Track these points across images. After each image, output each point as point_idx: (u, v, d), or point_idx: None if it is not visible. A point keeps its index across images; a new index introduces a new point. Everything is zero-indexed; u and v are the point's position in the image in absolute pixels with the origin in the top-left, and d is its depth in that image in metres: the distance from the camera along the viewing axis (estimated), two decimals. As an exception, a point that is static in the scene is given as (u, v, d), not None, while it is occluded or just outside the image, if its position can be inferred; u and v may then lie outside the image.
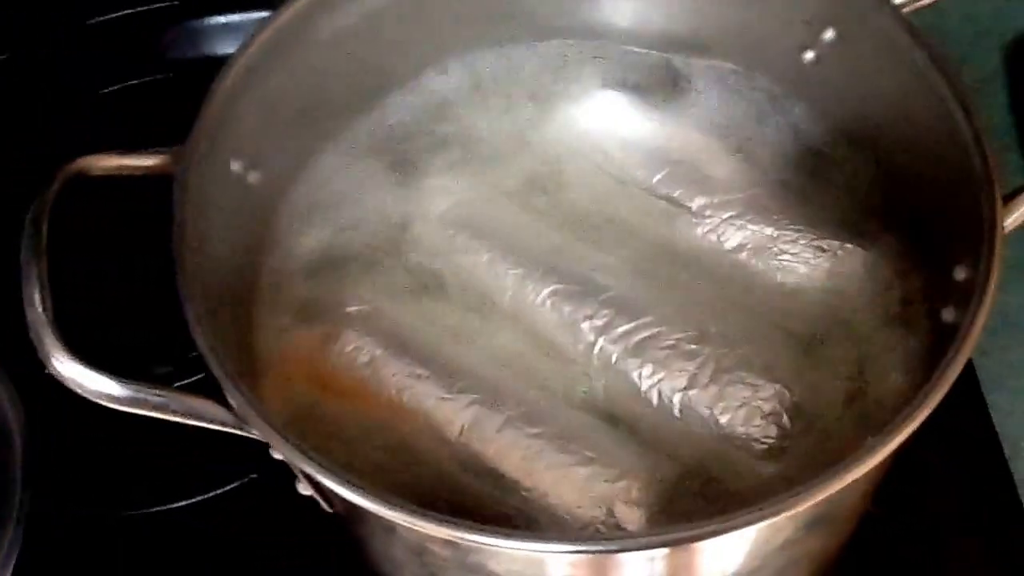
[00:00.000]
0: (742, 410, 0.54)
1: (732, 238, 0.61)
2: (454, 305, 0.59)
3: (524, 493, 0.53)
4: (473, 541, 0.44)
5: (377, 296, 0.60)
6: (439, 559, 0.50)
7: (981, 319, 0.48)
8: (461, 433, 0.54)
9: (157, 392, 0.48)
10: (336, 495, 0.46)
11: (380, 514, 0.44)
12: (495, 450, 0.54)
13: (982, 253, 0.50)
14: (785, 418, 0.54)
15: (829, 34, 0.62)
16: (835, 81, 0.63)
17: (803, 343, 0.57)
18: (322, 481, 0.45)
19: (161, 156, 0.53)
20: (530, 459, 0.53)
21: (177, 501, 0.66)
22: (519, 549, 0.44)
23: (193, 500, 0.65)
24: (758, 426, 0.54)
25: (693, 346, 0.56)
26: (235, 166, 0.57)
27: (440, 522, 0.44)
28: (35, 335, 0.48)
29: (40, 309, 0.47)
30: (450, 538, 0.44)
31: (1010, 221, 0.52)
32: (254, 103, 0.58)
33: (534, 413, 0.55)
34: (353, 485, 0.45)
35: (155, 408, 0.48)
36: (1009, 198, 0.52)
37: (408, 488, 0.52)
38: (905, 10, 0.59)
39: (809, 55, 0.63)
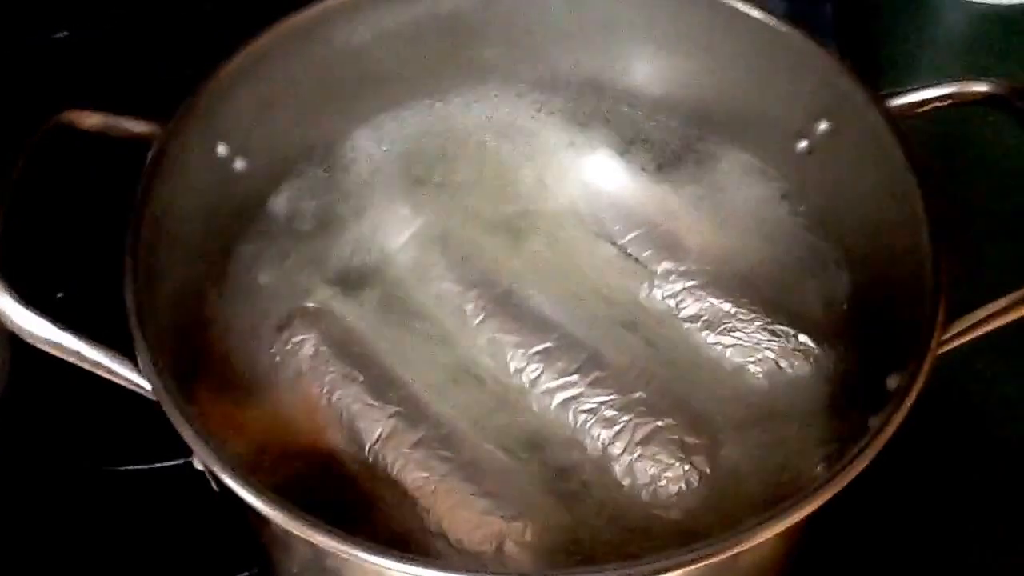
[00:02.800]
0: (650, 486, 0.52)
1: (689, 307, 0.58)
2: (403, 322, 0.58)
3: (422, 513, 0.51)
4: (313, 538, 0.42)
5: (334, 298, 0.58)
6: (301, 555, 0.49)
7: (891, 427, 0.45)
8: (377, 441, 0.53)
9: (78, 339, 0.47)
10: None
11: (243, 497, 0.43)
12: (403, 465, 0.52)
13: (911, 368, 0.47)
14: (691, 500, 0.51)
15: (823, 126, 0.59)
16: (824, 173, 0.60)
17: (732, 425, 0.54)
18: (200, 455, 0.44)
19: (150, 124, 0.52)
20: (434, 481, 0.51)
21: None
22: (367, 561, 0.42)
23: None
24: (663, 504, 0.51)
25: (615, 412, 0.53)
26: (221, 149, 0.56)
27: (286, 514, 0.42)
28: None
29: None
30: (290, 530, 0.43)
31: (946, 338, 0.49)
32: (254, 94, 0.57)
33: (450, 437, 0.53)
34: (225, 465, 0.44)
35: (68, 354, 0.47)
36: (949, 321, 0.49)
37: (311, 484, 0.51)
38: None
39: (803, 144, 0.60)
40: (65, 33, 0.78)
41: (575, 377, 0.54)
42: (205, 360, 0.55)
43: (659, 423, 0.53)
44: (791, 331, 0.56)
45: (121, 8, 0.79)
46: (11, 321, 0.46)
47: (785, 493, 0.49)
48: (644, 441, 0.52)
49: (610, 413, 0.53)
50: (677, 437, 0.52)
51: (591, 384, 0.54)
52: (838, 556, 0.60)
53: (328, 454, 0.53)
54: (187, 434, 0.44)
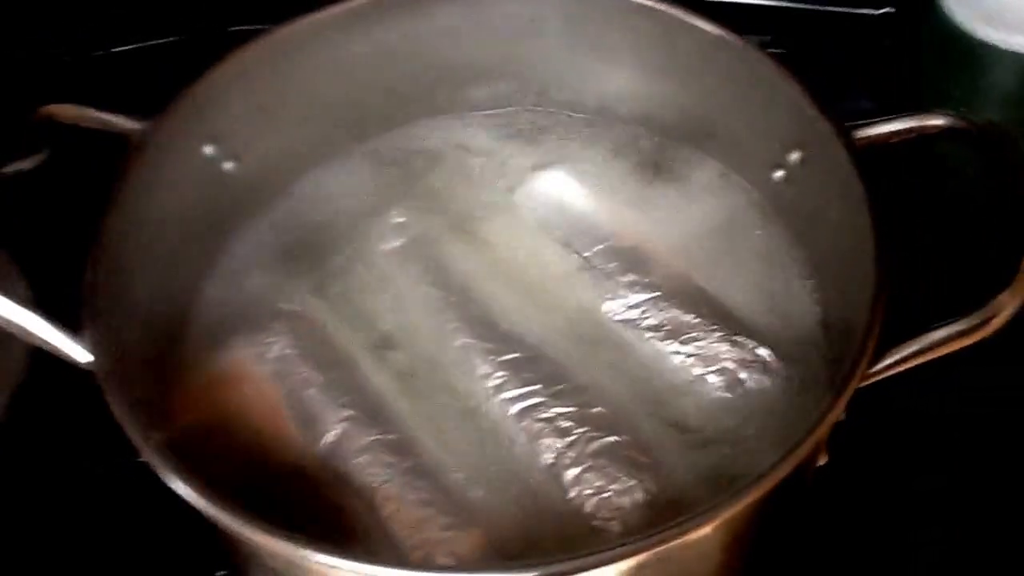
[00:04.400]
0: (594, 499, 0.51)
1: (652, 317, 0.57)
2: (370, 326, 0.57)
3: (365, 514, 0.51)
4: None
5: (309, 301, 0.58)
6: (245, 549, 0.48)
7: (804, 448, 0.44)
8: (331, 440, 0.52)
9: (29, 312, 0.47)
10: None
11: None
12: (351, 467, 0.52)
13: (830, 401, 0.46)
14: (635, 516, 0.50)
15: (796, 155, 0.58)
16: (797, 199, 0.59)
17: (686, 445, 0.53)
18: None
19: (135, 120, 0.53)
20: (377, 485, 0.51)
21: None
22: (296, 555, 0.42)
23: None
24: (605, 518, 0.50)
25: (570, 423, 0.53)
26: (209, 150, 0.57)
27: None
28: None
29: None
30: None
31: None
32: (248, 98, 0.58)
33: (399, 443, 0.53)
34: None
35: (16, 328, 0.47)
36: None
37: (262, 480, 0.51)
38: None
39: (779, 172, 0.59)
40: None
41: (538, 387, 0.54)
42: (179, 358, 0.55)
43: (613, 438, 0.52)
44: (751, 343, 0.55)
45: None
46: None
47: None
48: (595, 454, 0.51)
49: (566, 424, 0.52)
50: (629, 454, 0.52)
51: (553, 396, 0.54)
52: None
53: (286, 455, 0.53)
54: (119, 412, 0.44)
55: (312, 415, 0.54)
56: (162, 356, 0.54)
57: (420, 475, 0.52)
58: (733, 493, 0.43)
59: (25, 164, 0.50)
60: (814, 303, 0.57)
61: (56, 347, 0.47)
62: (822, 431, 0.45)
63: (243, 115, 0.58)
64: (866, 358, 0.46)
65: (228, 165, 0.58)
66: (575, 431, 0.52)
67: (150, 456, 0.44)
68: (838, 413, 0.45)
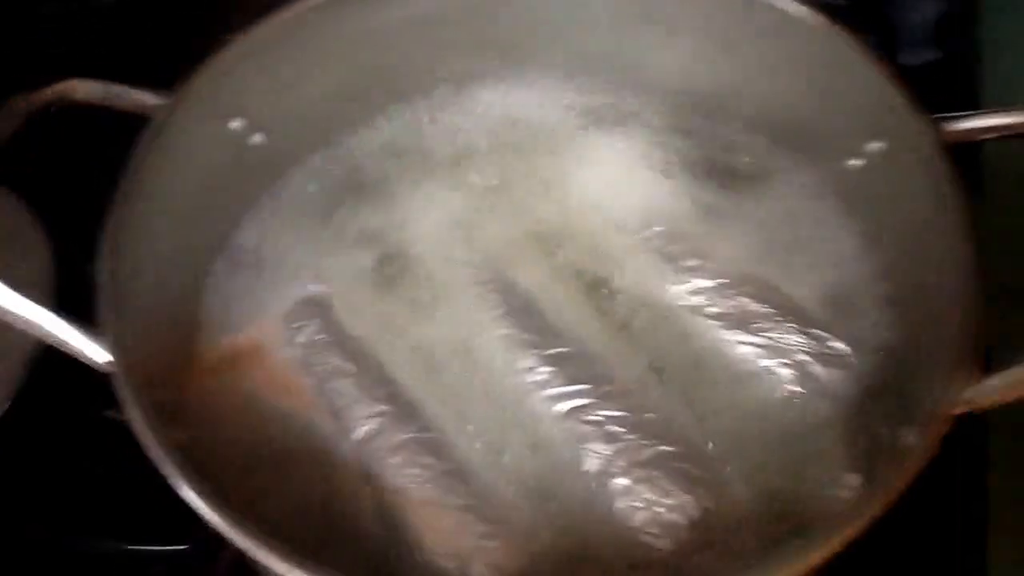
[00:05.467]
0: (643, 513, 0.46)
1: (717, 304, 0.52)
2: (409, 312, 0.52)
3: (398, 520, 0.46)
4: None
5: (341, 281, 0.54)
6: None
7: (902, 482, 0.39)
8: (363, 437, 0.48)
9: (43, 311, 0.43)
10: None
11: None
12: (385, 466, 0.48)
13: (925, 426, 0.41)
14: (685, 533, 0.45)
15: (876, 145, 0.51)
16: (874, 193, 0.52)
17: (744, 445, 0.48)
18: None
19: (155, 95, 0.48)
20: (412, 487, 0.47)
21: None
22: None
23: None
24: (655, 534, 0.46)
25: (620, 429, 0.48)
26: (236, 124, 0.52)
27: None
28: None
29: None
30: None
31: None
32: (276, 69, 0.53)
33: (437, 442, 0.48)
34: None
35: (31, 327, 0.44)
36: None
37: (286, 477, 0.47)
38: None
39: (855, 161, 0.53)
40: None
41: (586, 387, 0.49)
42: (198, 341, 0.51)
43: (666, 448, 0.47)
44: (827, 335, 0.50)
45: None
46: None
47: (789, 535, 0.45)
48: (646, 464, 0.47)
49: (614, 429, 0.48)
50: (682, 465, 0.47)
51: (601, 397, 0.49)
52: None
53: (313, 448, 0.49)
54: (137, 419, 0.41)
55: (342, 408, 0.49)
56: (180, 346, 0.50)
57: (457, 478, 0.47)
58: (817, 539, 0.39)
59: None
60: (887, 305, 0.51)
61: (73, 348, 0.44)
62: (916, 466, 0.39)
63: (270, 86, 0.53)
64: (963, 386, 0.41)
65: (255, 139, 0.54)
66: (625, 437, 0.48)
67: (169, 470, 0.40)
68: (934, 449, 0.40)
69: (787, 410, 0.49)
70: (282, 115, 0.54)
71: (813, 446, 0.48)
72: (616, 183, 0.57)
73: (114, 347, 0.42)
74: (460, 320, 0.52)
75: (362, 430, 0.48)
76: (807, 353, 0.50)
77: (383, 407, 0.49)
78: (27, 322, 0.43)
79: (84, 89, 0.47)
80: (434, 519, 0.46)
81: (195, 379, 0.50)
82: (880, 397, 0.48)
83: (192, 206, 0.51)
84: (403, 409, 0.49)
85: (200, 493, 0.39)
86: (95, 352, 0.43)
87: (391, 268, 0.54)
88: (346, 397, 0.49)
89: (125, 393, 0.42)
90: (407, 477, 0.47)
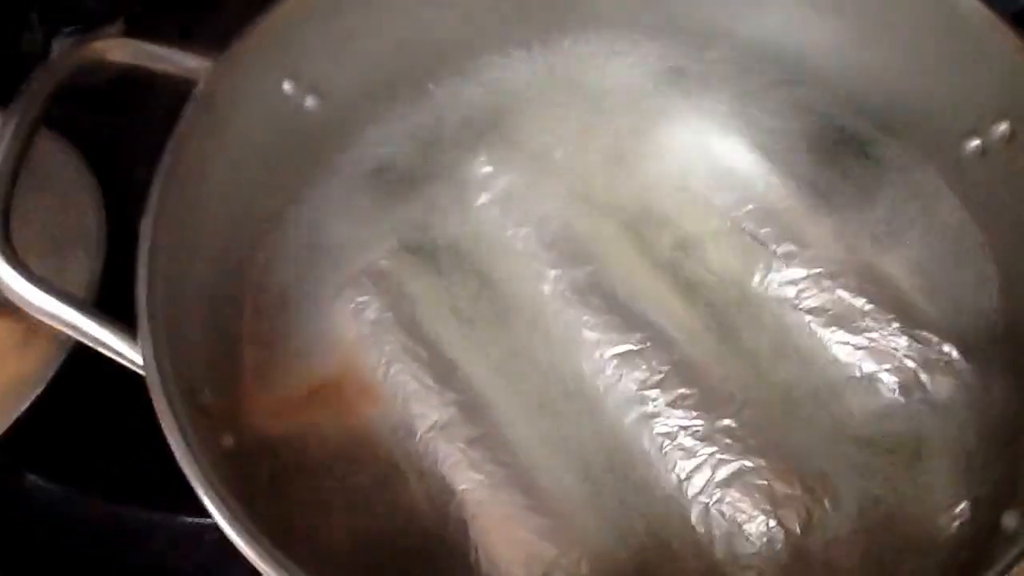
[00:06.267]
0: (725, 538, 0.41)
1: (813, 297, 0.46)
2: (475, 297, 0.47)
3: (467, 520, 0.42)
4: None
5: (405, 260, 0.48)
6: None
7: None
8: (430, 430, 0.44)
9: (75, 310, 0.39)
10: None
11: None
12: (455, 462, 0.43)
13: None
14: (772, 561, 0.41)
15: (1002, 127, 0.45)
16: (994, 181, 0.47)
17: (839, 461, 0.43)
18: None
19: (199, 58, 0.43)
20: (486, 487, 0.42)
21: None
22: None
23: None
24: (738, 563, 0.41)
25: (695, 442, 0.43)
26: (288, 87, 0.47)
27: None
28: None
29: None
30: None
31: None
32: (332, 26, 0.47)
33: (514, 441, 0.44)
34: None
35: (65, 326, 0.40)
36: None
37: (347, 466, 0.43)
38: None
39: (974, 143, 0.47)
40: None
41: (655, 392, 0.44)
42: (250, 318, 0.47)
43: (746, 463, 0.42)
44: (935, 338, 0.45)
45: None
46: (11, 291, 0.39)
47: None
48: (725, 483, 0.42)
49: (689, 442, 0.43)
50: (766, 483, 0.42)
51: (673, 402, 0.44)
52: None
53: (373, 436, 0.44)
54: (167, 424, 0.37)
55: (412, 394, 0.45)
56: (230, 345, 0.46)
57: (534, 481, 0.43)
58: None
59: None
60: (1000, 303, 0.46)
61: (109, 349, 0.39)
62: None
63: (325, 45, 0.47)
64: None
65: (310, 102, 0.48)
66: (701, 451, 0.43)
67: (198, 484, 0.36)
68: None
69: (889, 421, 0.44)
70: (338, 78, 0.48)
71: (917, 464, 0.43)
72: (702, 153, 0.51)
73: (149, 349, 0.38)
74: (524, 306, 0.47)
75: (431, 420, 0.44)
76: (913, 358, 0.45)
77: (456, 396, 0.44)
78: (61, 323, 0.39)
79: (120, 49, 0.42)
80: (510, 524, 0.42)
81: (250, 366, 0.45)
82: (995, 419, 0.43)
83: (243, 182, 0.46)
84: (475, 401, 0.45)
85: (223, 513, 0.36)
86: (130, 353, 0.39)
87: (452, 249, 0.49)
88: (416, 382, 0.45)
89: (157, 398, 0.38)
90: (482, 475, 0.43)
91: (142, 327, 0.39)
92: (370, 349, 0.46)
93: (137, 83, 0.47)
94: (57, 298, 0.39)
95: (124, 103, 0.56)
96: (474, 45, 0.51)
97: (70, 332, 0.39)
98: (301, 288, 0.48)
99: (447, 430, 0.44)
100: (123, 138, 0.56)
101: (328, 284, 0.48)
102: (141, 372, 0.38)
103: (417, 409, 0.45)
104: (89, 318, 0.39)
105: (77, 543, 0.51)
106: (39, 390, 0.48)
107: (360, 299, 0.47)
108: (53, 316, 0.39)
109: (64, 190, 0.54)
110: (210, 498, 0.36)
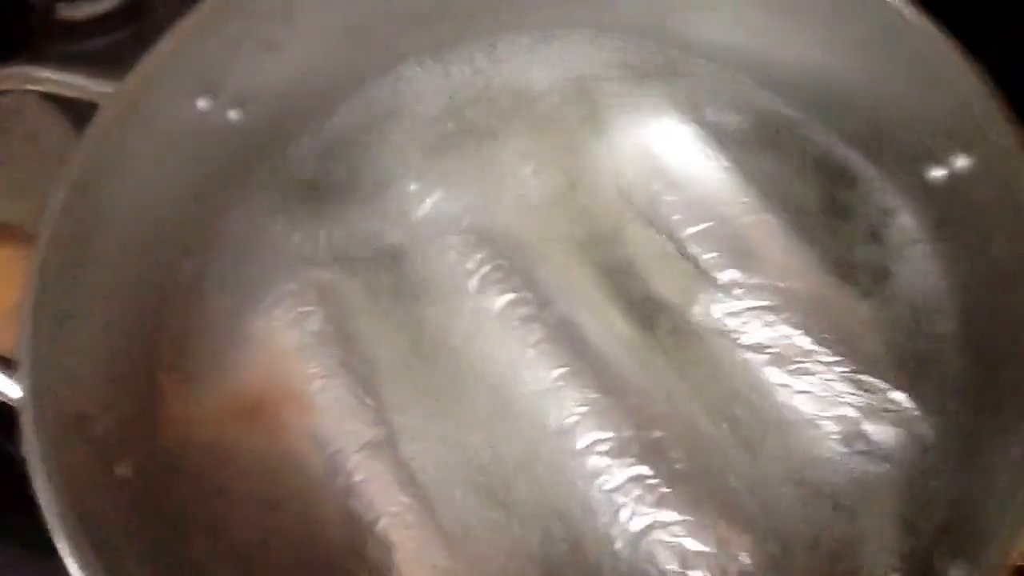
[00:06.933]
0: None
1: (754, 333, 0.43)
2: (415, 313, 0.45)
3: (389, 544, 0.40)
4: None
5: (349, 271, 0.46)
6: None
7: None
8: (362, 448, 0.42)
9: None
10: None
11: None
12: (385, 483, 0.41)
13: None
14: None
15: (961, 160, 0.40)
16: (953, 213, 0.42)
17: (769, 504, 0.40)
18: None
19: (101, 83, 0.41)
20: (412, 511, 0.41)
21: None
22: None
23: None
24: None
25: (623, 476, 0.40)
26: (203, 103, 0.44)
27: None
28: None
29: None
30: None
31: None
32: (250, 32, 0.44)
33: (440, 464, 0.42)
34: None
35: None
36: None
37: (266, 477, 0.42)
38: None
39: (936, 172, 0.42)
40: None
41: (575, 432, 0.41)
42: (171, 333, 0.45)
43: (658, 517, 0.40)
44: (882, 385, 0.41)
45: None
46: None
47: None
48: (637, 536, 0.40)
49: (601, 492, 0.41)
50: (675, 541, 0.39)
51: (589, 446, 0.41)
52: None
53: (301, 450, 0.43)
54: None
55: (346, 410, 0.43)
56: (144, 344, 0.44)
57: (446, 513, 0.41)
58: None
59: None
60: (959, 343, 0.42)
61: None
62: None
63: (248, 52, 0.44)
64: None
65: (233, 115, 0.45)
66: (616, 499, 0.40)
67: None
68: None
69: (828, 468, 0.41)
70: (261, 88, 0.45)
71: (862, 517, 0.40)
72: (652, 164, 0.47)
73: (28, 383, 0.37)
74: (463, 324, 0.45)
75: (362, 438, 0.42)
76: (856, 407, 0.41)
77: (387, 417, 0.43)
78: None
79: (34, 76, 0.41)
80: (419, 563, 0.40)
81: (173, 379, 0.44)
82: (940, 469, 0.40)
83: (159, 202, 0.43)
84: (406, 424, 0.43)
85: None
86: (7, 387, 0.37)
87: (392, 263, 0.46)
88: (352, 397, 0.43)
89: (28, 436, 0.36)
90: (398, 505, 0.41)
91: (23, 362, 0.37)
92: (308, 360, 0.44)
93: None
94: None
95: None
96: (401, 49, 0.48)
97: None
98: (232, 299, 0.46)
99: (380, 449, 0.42)
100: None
101: (262, 295, 0.46)
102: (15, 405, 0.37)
103: (351, 425, 0.43)
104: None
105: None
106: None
107: (302, 309, 0.45)
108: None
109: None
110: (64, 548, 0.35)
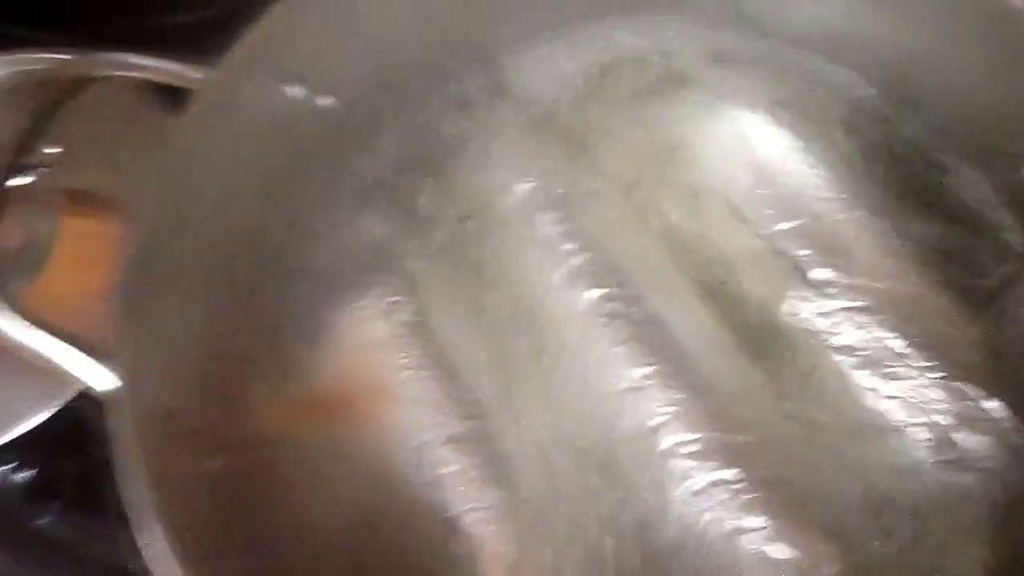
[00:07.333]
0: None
1: (845, 334, 0.42)
2: (505, 307, 0.44)
3: (475, 538, 0.40)
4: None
5: (439, 262, 0.46)
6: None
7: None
8: (448, 441, 0.42)
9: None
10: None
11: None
12: (471, 479, 0.41)
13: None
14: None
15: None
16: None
17: (851, 516, 0.39)
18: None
19: (195, 68, 0.41)
20: (497, 510, 0.41)
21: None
22: None
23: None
24: None
25: (707, 480, 0.40)
26: (295, 90, 0.43)
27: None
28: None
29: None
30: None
31: None
32: (341, 16, 0.43)
33: (524, 465, 0.41)
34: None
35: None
36: None
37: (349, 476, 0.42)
38: None
39: None
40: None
41: (660, 432, 0.41)
42: (259, 329, 0.44)
43: (740, 523, 0.39)
44: (976, 392, 0.40)
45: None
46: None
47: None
48: (719, 541, 0.39)
49: (685, 493, 0.40)
50: (755, 548, 0.39)
51: (674, 447, 0.41)
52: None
53: (386, 441, 0.42)
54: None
55: (436, 402, 0.43)
56: (234, 336, 0.44)
57: (530, 513, 0.41)
58: None
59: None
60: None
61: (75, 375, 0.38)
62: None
63: (335, 40, 0.44)
64: None
65: (324, 102, 0.45)
66: (698, 505, 0.40)
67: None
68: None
69: (917, 480, 0.40)
70: (352, 74, 0.45)
71: (945, 531, 0.39)
72: (745, 157, 0.46)
73: (124, 376, 0.37)
74: (553, 319, 0.44)
75: (447, 435, 0.42)
76: (948, 414, 0.40)
77: (476, 411, 0.42)
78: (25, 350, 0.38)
79: (108, 64, 0.40)
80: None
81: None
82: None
83: (252, 194, 0.43)
84: (496, 419, 0.42)
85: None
86: (100, 381, 0.37)
87: (483, 250, 0.46)
88: (440, 391, 0.43)
89: (120, 434, 0.36)
90: (479, 501, 0.41)
91: (118, 351, 0.37)
92: (396, 351, 0.44)
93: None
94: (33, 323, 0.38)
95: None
96: (496, 36, 0.47)
97: (35, 360, 0.38)
98: (321, 291, 0.46)
99: (466, 443, 0.42)
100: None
101: (351, 286, 0.46)
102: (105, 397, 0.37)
103: (438, 418, 0.43)
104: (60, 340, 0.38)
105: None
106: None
107: (391, 300, 0.45)
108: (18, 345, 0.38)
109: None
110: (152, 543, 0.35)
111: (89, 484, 0.50)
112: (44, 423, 0.47)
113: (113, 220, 0.49)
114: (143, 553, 0.35)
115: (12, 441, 0.47)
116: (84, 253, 0.51)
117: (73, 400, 0.47)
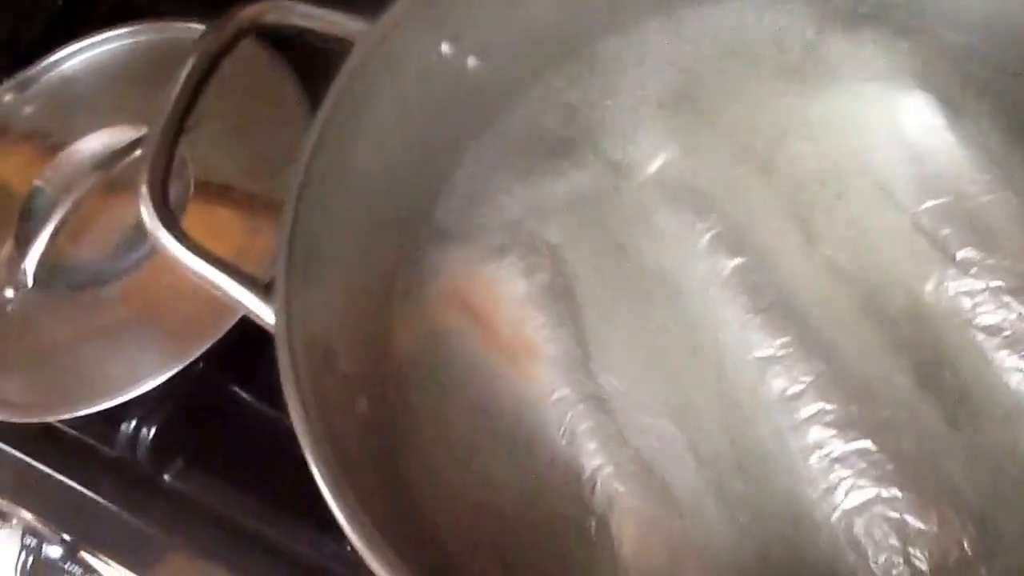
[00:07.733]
0: (854, 559, 0.39)
1: (989, 314, 0.42)
2: (631, 278, 0.45)
3: (596, 494, 0.41)
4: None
5: (573, 229, 0.46)
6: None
7: None
8: (582, 400, 0.42)
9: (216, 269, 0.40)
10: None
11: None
12: (603, 438, 0.42)
13: None
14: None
15: None
16: None
17: (993, 498, 0.39)
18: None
19: (355, 20, 0.42)
20: (627, 475, 0.41)
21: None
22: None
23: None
24: None
25: (845, 449, 0.40)
26: (446, 48, 0.45)
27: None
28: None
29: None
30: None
31: None
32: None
33: (652, 426, 0.42)
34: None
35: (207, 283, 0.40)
36: None
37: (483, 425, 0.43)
38: None
39: None
40: None
41: (793, 404, 0.41)
42: (405, 278, 0.46)
43: (880, 491, 0.39)
44: None
45: None
46: (166, 251, 0.40)
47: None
48: (856, 511, 0.39)
49: (822, 463, 0.40)
50: (897, 515, 0.39)
51: (810, 418, 0.41)
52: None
53: (521, 394, 0.43)
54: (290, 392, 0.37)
55: (568, 366, 0.44)
56: (379, 309, 0.45)
57: (659, 482, 0.41)
58: None
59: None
60: None
61: (248, 308, 0.40)
62: None
63: (489, 2, 0.45)
64: None
65: (471, 63, 0.46)
66: (834, 474, 0.40)
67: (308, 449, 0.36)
68: None
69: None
70: (500, 38, 0.46)
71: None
72: (889, 130, 0.45)
73: (283, 315, 0.38)
74: (680, 294, 0.45)
75: (581, 394, 0.43)
76: None
77: (603, 376, 0.43)
78: (203, 280, 0.40)
79: (278, 12, 0.42)
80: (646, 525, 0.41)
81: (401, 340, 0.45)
82: None
83: (397, 144, 0.44)
84: (626, 378, 0.43)
85: (333, 492, 0.35)
86: (266, 315, 0.39)
87: (622, 218, 0.46)
88: (569, 358, 0.44)
89: (284, 365, 0.38)
90: (616, 465, 0.41)
91: (279, 289, 0.39)
92: (536, 310, 0.45)
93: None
94: (202, 257, 0.40)
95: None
96: (637, 8, 0.48)
97: (213, 290, 0.40)
98: (463, 247, 0.47)
99: (603, 401, 0.43)
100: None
101: (493, 244, 0.47)
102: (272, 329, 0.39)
103: (576, 375, 0.44)
104: (229, 277, 0.40)
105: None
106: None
107: (532, 260, 0.46)
108: (196, 274, 0.40)
109: (271, 99, 0.54)
110: (324, 479, 0.36)
111: (208, 443, 0.53)
112: (164, 384, 0.49)
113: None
114: (320, 483, 0.35)
115: (136, 399, 0.49)
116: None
117: (192, 363, 0.49)
